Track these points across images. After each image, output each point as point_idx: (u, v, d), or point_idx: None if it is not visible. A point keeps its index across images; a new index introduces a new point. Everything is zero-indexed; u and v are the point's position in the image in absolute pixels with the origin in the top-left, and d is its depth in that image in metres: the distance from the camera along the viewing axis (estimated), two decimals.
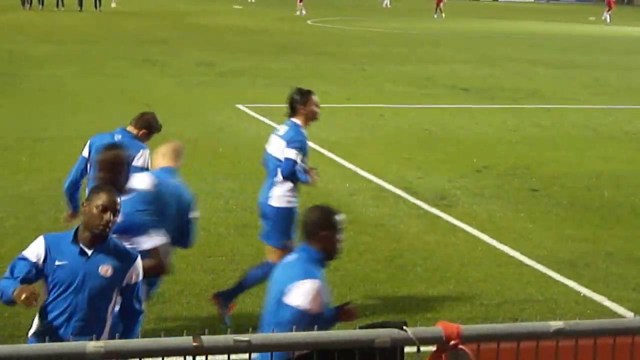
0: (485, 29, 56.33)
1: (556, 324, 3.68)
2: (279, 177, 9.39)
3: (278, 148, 9.45)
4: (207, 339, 3.78)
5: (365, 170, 16.31)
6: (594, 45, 47.01)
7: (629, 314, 9.95)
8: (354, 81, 29.16)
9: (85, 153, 9.36)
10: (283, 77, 28.11)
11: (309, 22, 57.20)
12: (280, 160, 9.36)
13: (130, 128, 9.48)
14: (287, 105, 9.62)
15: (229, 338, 3.76)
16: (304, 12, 63.22)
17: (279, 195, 9.41)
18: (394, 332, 3.55)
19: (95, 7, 58.22)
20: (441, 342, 3.59)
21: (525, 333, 3.72)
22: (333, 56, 36.42)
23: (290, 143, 9.34)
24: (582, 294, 10.68)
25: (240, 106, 22.93)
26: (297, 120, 9.50)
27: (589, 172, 17.11)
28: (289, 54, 36.55)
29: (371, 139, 19.49)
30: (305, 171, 9.44)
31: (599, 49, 45.11)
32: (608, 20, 66.87)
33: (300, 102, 9.51)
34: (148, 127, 9.53)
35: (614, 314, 10.02)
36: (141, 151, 9.24)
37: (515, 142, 19.94)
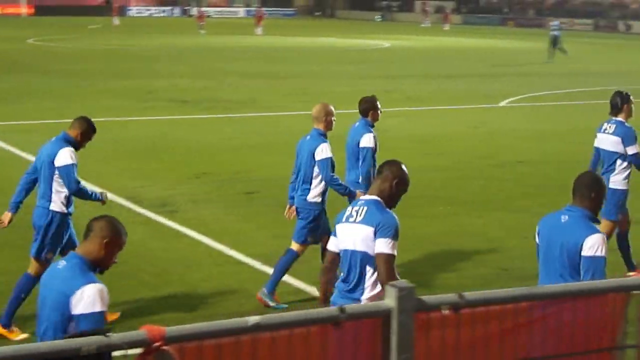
0: (200, 44, 56.49)
1: (253, 319, 3.71)
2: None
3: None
4: None
5: (87, 181, 15.94)
6: (300, 57, 48.17)
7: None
8: (75, 96, 28.49)
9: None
10: None
11: (29, 40, 55.39)
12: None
13: None
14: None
15: None
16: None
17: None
18: (99, 338, 3.47)
19: None
20: (146, 345, 3.54)
21: (225, 329, 3.73)
22: (52, 73, 35.46)
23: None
24: (301, 289, 10.91)
25: None
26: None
27: None
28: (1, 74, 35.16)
29: (93, 151, 19.02)
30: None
31: (304, 60, 46.25)
32: (259, 32, 68.01)
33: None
34: None
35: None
36: None
37: (233, 149, 20.12)
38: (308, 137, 10.64)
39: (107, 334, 3.47)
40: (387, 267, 6.48)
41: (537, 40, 68.77)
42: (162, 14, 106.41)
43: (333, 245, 6.95)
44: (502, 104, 29.13)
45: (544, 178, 17.18)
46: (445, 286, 10.79)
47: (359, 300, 6.66)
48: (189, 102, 27.62)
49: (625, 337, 4.84)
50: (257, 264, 11.66)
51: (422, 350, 4.14)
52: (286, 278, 10.78)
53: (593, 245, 6.55)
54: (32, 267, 9.42)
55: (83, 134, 9.45)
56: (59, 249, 9.42)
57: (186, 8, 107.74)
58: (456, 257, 12.28)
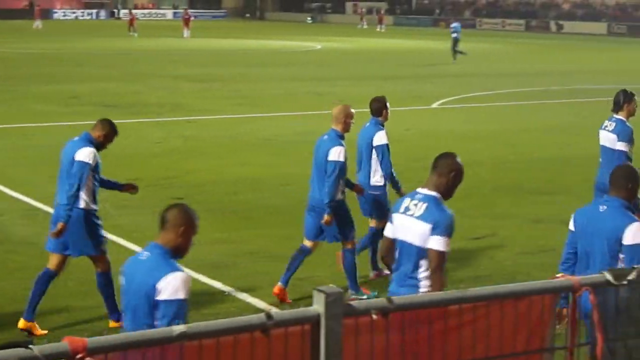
0: (128, 47, 56.07)
1: (179, 328, 3.70)
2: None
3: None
4: None
5: (14, 189, 15.76)
6: (230, 59, 48.08)
7: (273, 309, 10.23)
8: None
9: None
10: None
11: None
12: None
13: None
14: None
15: None
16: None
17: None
18: (20, 351, 3.43)
19: None
20: (68, 357, 3.51)
21: (150, 340, 3.71)
22: None
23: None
24: (226, 293, 10.90)
25: None
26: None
27: (230, 178, 17.48)
28: None
29: (18, 158, 18.85)
30: None
31: (234, 62, 46.18)
32: (187, 34, 67.76)
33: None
34: None
35: (257, 309, 10.26)
36: None
37: (161, 154, 20.00)
38: (325, 136, 10.81)
39: (29, 346, 3.43)
40: (437, 263, 6.82)
41: (468, 41, 69.55)
42: (88, 17, 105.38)
43: (389, 231, 7.26)
44: (435, 105, 29.38)
45: (477, 179, 17.34)
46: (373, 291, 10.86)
47: (416, 288, 6.94)
48: (116, 107, 27.39)
49: (554, 338, 4.92)
50: (189, 271, 11.54)
51: (351, 355, 4.16)
52: (213, 283, 10.79)
53: (634, 233, 6.89)
54: (51, 263, 9.72)
55: (106, 136, 9.75)
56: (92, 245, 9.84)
57: (113, 10, 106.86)
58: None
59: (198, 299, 10.55)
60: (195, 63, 44.96)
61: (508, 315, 4.59)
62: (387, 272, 10.71)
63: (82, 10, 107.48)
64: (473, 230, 13.55)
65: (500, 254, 12.73)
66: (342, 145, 10.58)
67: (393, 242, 7.21)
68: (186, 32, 68.20)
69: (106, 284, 9.80)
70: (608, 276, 4.87)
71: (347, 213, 10.79)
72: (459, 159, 7.19)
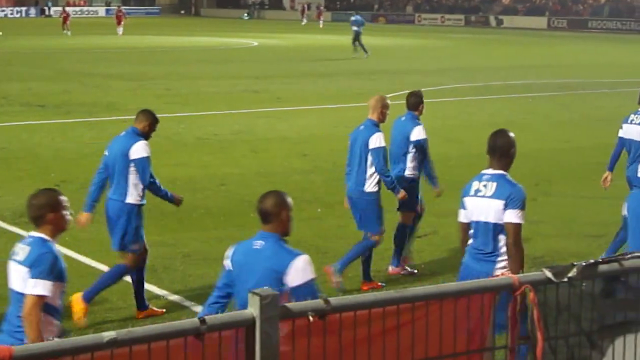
0: (59, 45, 55.47)
1: (109, 335, 3.65)
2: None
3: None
4: None
5: None
6: (165, 57, 47.78)
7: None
8: None
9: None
10: None
11: None
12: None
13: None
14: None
15: None
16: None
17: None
18: None
19: None
20: None
21: (80, 347, 3.65)
22: None
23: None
24: (162, 297, 10.82)
25: None
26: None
27: (166, 178, 17.19)
28: None
29: None
30: None
31: (169, 60, 45.90)
32: (120, 33, 67.16)
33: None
34: None
35: (192, 313, 10.20)
36: None
37: (94, 154, 19.73)
38: (362, 127, 11.23)
39: None
40: (515, 235, 7.44)
41: (407, 37, 70.00)
42: (17, 15, 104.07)
43: (463, 217, 7.84)
44: None
45: None
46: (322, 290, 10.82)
47: (493, 263, 7.56)
48: (47, 107, 27.04)
49: (495, 338, 4.94)
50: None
51: (288, 359, 4.14)
52: (147, 286, 10.74)
53: None
54: (125, 260, 10.15)
55: (150, 125, 10.11)
56: (143, 239, 10.15)
57: (44, 8, 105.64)
58: (332, 260, 12.33)
59: (131, 304, 10.47)
60: (128, 61, 44.60)
61: (447, 315, 4.60)
62: (409, 269, 11.72)
63: (12, 8, 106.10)
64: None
65: (441, 252, 12.79)
66: (380, 132, 11.06)
67: (468, 226, 7.82)
68: (120, 30, 67.58)
69: (116, 277, 10.28)
70: (548, 274, 4.90)
71: (378, 206, 11.22)
72: (511, 134, 7.84)
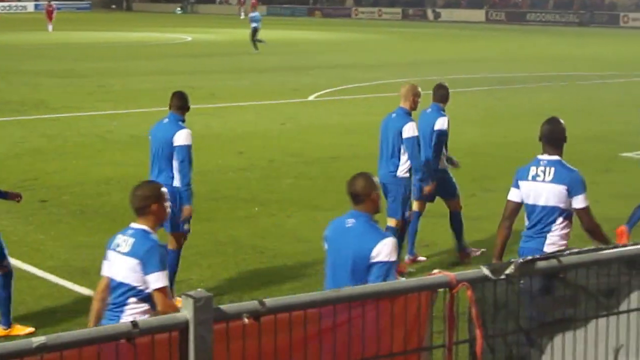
0: None
1: (38, 340, 3.62)
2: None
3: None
4: None
5: None
6: (96, 53, 47.37)
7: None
8: None
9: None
10: None
11: None
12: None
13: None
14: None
15: None
16: None
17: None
18: None
19: None
20: None
21: (8, 353, 3.62)
22: None
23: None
24: (80, 293, 10.72)
25: None
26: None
27: (98, 178, 17.19)
28: None
29: None
30: None
31: (100, 56, 45.50)
32: (50, 29, 66.71)
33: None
34: None
35: None
36: None
37: (23, 154, 19.57)
38: (393, 114, 11.59)
39: None
40: (589, 217, 8.01)
41: (344, 31, 70.17)
42: None
43: (516, 196, 8.29)
44: (311, 98, 29.50)
45: (354, 172, 17.48)
46: (248, 293, 10.82)
47: (544, 239, 8.08)
48: None
49: (432, 336, 4.97)
50: (54, 278, 11.37)
51: None
52: (78, 289, 10.64)
53: None
54: (171, 243, 10.48)
55: (187, 104, 10.76)
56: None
57: None
58: (269, 260, 12.33)
59: (61, 307, 10.37)
60: (58, 57, 44.14)
61: (384, 315, 4.63)
62: (422, 258, 12.09)
63: None
64: None
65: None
66: (412, 120, 11.44)
67: (518, 206, 8.27)
68: (50, 26, 66.87)
69: (174, 262, 10.59)
70: (485, 271, 4.94)
71: (409, 192, 11.66)
72: (561, 120, 8.33)
